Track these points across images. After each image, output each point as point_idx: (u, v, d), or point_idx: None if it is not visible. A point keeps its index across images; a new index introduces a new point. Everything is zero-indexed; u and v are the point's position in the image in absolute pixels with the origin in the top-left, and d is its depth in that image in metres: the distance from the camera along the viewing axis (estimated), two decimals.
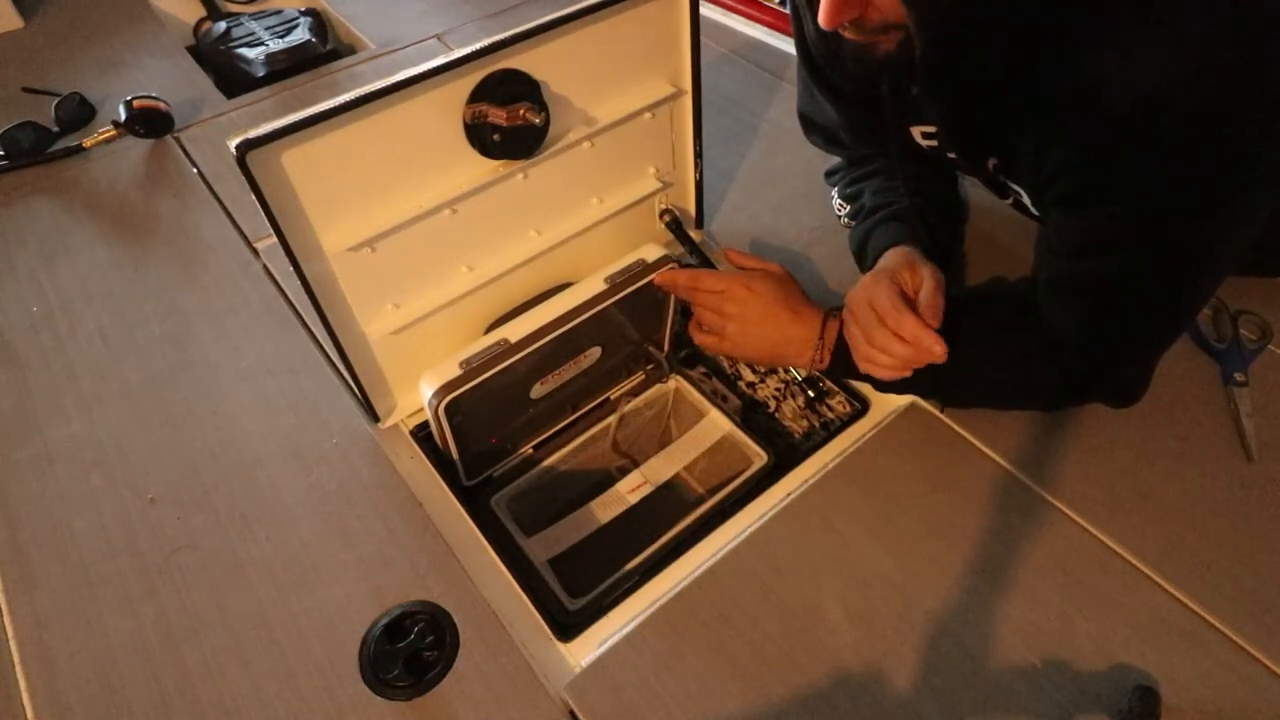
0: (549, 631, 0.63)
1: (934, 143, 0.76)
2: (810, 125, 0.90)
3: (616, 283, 0.74)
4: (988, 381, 0.72)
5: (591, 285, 0.74)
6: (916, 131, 0.75)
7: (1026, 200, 0.70)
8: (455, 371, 0.68)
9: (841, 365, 0.72)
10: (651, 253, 0.77)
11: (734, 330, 0.74)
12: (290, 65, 1.29)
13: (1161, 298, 0.63)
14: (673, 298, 0.80)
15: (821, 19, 0.56)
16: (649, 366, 0.88)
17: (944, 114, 0.67)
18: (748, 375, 0.92)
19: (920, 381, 0.72)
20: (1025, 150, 0.62)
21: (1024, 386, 0.72)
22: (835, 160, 0.93)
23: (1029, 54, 0.57)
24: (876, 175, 0.86)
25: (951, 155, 0.74)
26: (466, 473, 0.77)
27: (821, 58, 0.78)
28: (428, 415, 0.70)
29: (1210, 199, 0.56)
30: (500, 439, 0.80)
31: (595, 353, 0.79)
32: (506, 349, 0.69)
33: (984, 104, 0.64)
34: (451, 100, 0.64)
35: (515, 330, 0.71)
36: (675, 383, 0.89)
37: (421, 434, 0.77)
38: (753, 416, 0.92)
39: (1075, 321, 0.66)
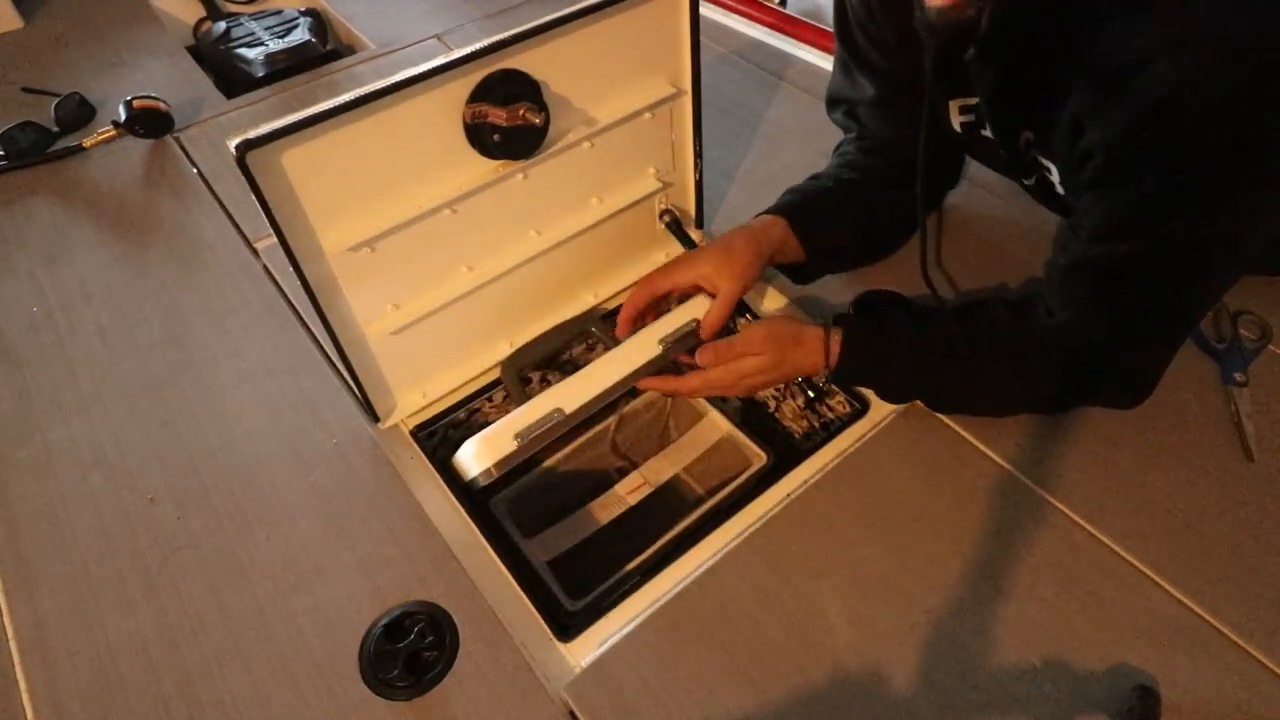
0: (549, 632, 0.63)
1: (970, 118, 0.75)
2: (835, 104, 0.90)
3: (670, 345, 0.74)
4: (991, 386, 0.72)
5: (645, 348, 0.74)
6: (955, 106, 0.75)
7: (1055, 178, 0.69)
8: (510, 446, 0.68)
9: (847, 370, 0.72)
10: (702, 308, 0.77)
11: (750, 385, 0.75)
12: (290, 65, 1.28)
13: (1178, 288, 0.63)
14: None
15: None
16: None
17: (991, 80, 0.66)
18: None
19: (924, 390, 0.72)
20: (1064, 123, 0.62)
21: (1028, 388, 0.71)
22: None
23: (1081, 21, 0.57)
24: (848, 154, 0.87)
25: (984, 132, 0.74)
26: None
27: (863, 33, 0.78)
28: (462, 474, 0.70)
29: (1235, 190, 0.56)
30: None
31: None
32: (561, 420, 0.70)
33: (1032, 71, 0.63)
34: (451, 100, 0.64)
35: (568, 399, 0.71)
36: None
37: (422, 434, 0.77)
38: (752, 416, 0.92)
39: (1088, 308, 0.66)
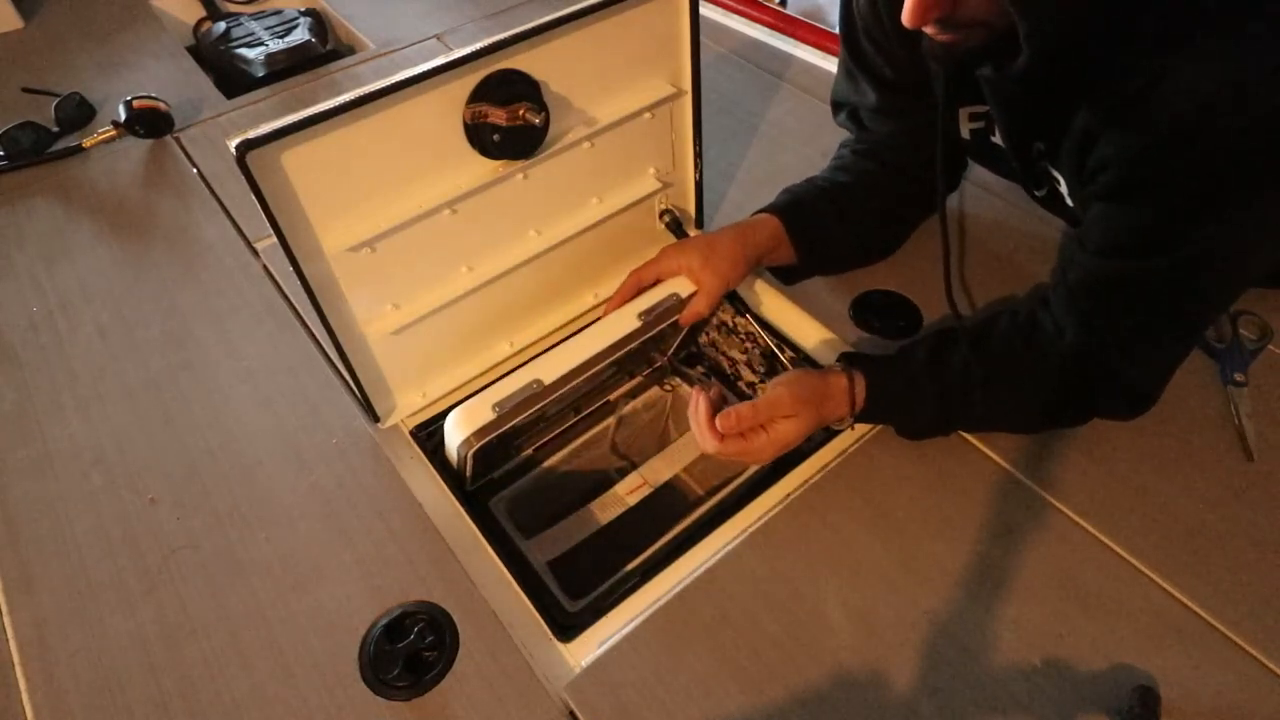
0: (549, 632, 0.63)
1: (980, 124, 0.75)
2: (839, 107, 0.90)
3: (649, 319, 0.74)
4: (1009, 414, 0.71)
5: (625, 322, 0.74)
6: (965, 114, 0.75)
7: (1064, 189, 0.69)
8: (488, 415, 0.68)
9: (870, 414, 0.71)
10: (684, 286, 0.77)
11: (788, 448, 0.71)
12: (290, 65, 1.29)
13: (1188, 302, 0.63)
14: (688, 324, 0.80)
15: (906, 18, 0.56)
16: (648, 372, 0.88)
17: (1004, 92, 0.66)
18: (747, 375, 0.92)
19: (945, 424, 0.72)
20: (1075, 134, 0.62)
21: (1047, 411, 0.71)
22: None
23: (1102, 48, 0.57)
24: (844, 157, 0.87)
25: (994, 139, 0.74)
26: (471, 479, 0.77)
27: (869, 39, 0.78)
28: (451, 454, 0.70)
29: (1255, 206, 0.56)
30: (505, 448, 0.80)
31: (608, 369, 0.79)
32: (540, 391, 0.69)
33: (1045, 85, 0.62)
34: (451, 100, 0.64)
35: (547, 370, 0.70)
36: (674, 384, 0.89)
37: (422, 434, 0.77)
38: None
39: (1097, 324, 0.65)
